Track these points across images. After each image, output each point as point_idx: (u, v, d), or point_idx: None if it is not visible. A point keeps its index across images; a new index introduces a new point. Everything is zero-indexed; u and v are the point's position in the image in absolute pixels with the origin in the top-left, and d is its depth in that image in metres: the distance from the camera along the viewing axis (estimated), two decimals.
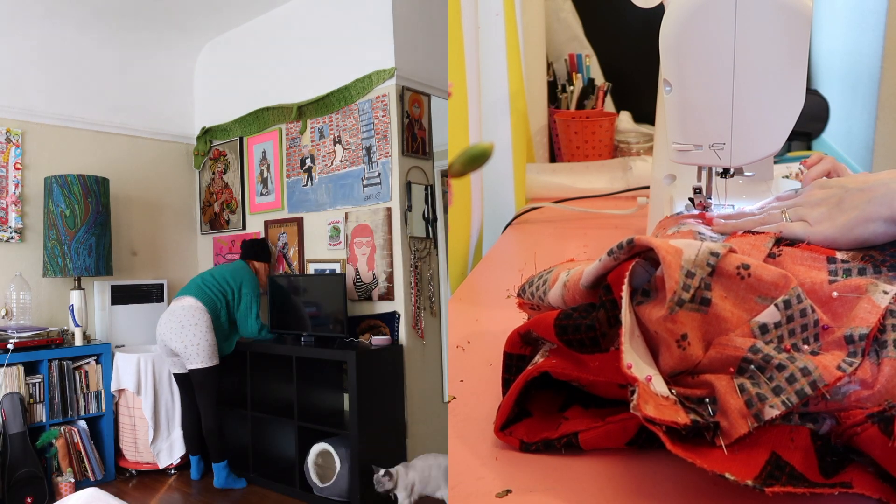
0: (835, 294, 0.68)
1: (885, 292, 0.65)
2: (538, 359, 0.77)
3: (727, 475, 0.57)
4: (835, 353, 0.63)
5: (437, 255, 3.48)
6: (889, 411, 0.60)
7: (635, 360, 0.65)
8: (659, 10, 0.98)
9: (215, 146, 4.35)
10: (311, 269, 3.70)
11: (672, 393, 0.65)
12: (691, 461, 0.58)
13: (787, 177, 1.30)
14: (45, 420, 3.35)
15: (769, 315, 0.65)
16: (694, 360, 0.66)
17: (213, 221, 4.36)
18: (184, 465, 3.69)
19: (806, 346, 0.65)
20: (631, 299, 0.70)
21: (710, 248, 0.67)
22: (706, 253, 0.67)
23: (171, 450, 3.62)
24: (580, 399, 0.77)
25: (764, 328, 0.65)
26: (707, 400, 0.64)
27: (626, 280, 0.68)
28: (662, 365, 0.68)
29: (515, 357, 0.80)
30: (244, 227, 4.14)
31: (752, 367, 0.63)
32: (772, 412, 0.60)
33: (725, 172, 1.01)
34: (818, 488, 0.57)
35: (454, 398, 0.86)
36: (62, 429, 3.38)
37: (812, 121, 2.05)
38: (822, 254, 0.73)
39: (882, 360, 0.63)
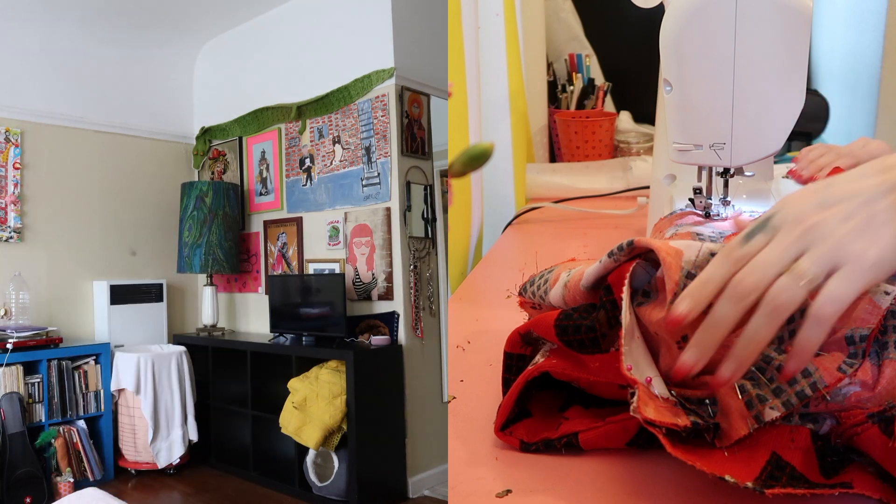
0: None
1: (887, 293, 0.65)
2: (538, 359, 0.77)
3: (727, 478, 0.56)
4: (835, 354, 0.63)
5: (436, 255, 3.48)
6: (889, 411, 0.60)
7: (635, 362, 0.65)
8: (659, 10, 0.98)
9: (215, 146, 4.35)
10: (310, 269, 3.70)
11: (672, 394, 0.65)
12: (691, 464, 0.58)
13: (787, 176, 1.30)
14: (44, 420, 3.34)
15: None
16: None
17: None
18: (183, 464, 3.69)
19: None
20: (631, 300, 0.69)
21: (711, 249, 0.67)
22: (706, 254, 0.67)
23: (170, 450, 3.61)
24: (580, 399, 0.77)
25: None
26: (707, 401, 0.64)
27: (626, 281, 0.68)
28: (663, 366, 0.68)
29: (515, 357, 0.80)
30: (244, 227, 4.14)
31: (753, 367, 0.62)
32: (772, 413, 0.60)
33: (725, 172, 1.01)
34: (818, 489, 0.57)
35: (454, 398, 0.86)
36: (61, 428, 3.38)
37: (812, 121, 2.04)
38: None
39: (883, 361, 0.63)
